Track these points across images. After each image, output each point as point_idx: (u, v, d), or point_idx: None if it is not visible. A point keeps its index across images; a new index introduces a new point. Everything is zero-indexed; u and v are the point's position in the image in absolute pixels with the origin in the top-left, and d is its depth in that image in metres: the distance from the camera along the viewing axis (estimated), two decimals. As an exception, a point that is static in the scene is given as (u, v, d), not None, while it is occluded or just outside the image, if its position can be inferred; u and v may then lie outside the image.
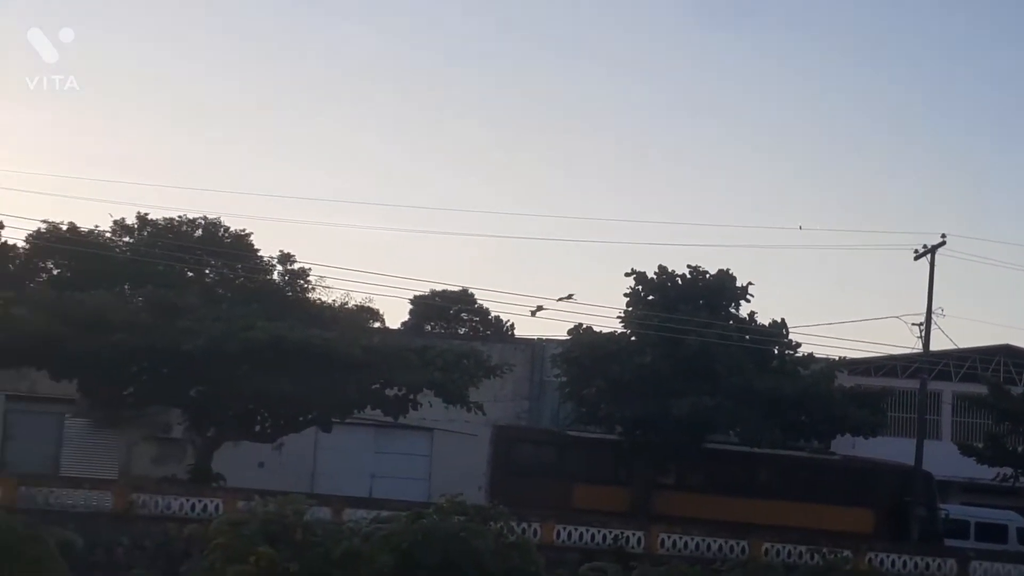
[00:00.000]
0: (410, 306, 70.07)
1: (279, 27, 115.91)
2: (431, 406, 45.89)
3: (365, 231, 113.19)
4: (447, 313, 68.84)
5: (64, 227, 61.54)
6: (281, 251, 64.76)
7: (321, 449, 53.71)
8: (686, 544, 41.20)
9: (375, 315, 68.07)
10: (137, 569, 30.12)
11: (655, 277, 47.41)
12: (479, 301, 67.13)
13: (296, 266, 64.64)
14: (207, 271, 62.08)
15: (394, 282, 48.16)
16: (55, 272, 61.76)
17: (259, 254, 64.68)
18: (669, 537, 41.30)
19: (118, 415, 49.49)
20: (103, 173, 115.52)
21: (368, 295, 65.19)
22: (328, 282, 63.63)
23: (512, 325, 71.29)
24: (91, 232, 61.88)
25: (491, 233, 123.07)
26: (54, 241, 60.76)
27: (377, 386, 44.77)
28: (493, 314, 70.61)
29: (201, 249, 60.57)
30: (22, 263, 63.09)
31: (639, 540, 41.05)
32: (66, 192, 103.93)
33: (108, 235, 63.41)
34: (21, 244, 63.80)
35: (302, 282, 64.73)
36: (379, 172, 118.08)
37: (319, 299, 64.63)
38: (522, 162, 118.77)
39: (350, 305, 65.62)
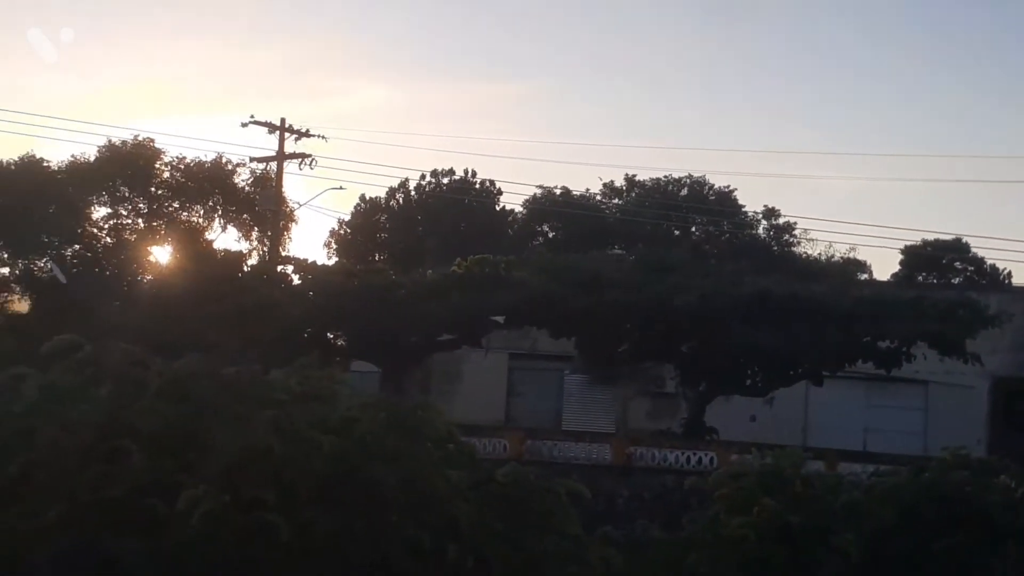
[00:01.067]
0: (900, 256, 68.06)
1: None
2: (925, 358, 44.45)
3: (850, 181, 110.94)
4: (939, 263, 66.34)
5: (557, 192, 64.26)
6: (766, 206, 64.91)
7: (812, 403, 53.25)
8: None
9: (862, 267, 66.76)
10: (639, 520, 31.07)
11: None
12: (974, 249, 64.38)
13: (781, 220, 64.52)
14: (693, 229, 63.00)
15: (882, 232, 47.08)
16: (550, 235, 64.57)
17: (744, 210, 64.97)
18: None
19: (614, 371, 51.09)
20: (592, 137, 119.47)
21: (852, 246, 64.03)
22: (813, 235, 63.03)
23: (1009, 273, 67.82)
24: (583, 195, 64.26)
25: (985, 178, 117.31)
26: (549, 205, 63.58)
27: (868, 339, 43.87)
28: (989, 262, 67.39)
29: (687, 207, 61.50)
30: (520, 227, 66.40)
31: None
32: (558, 157, 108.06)
33: (598, 197, 65.57)
34: (519, 210, 67.25)
35: (787, 236, 64.52)
36: (860, 121, 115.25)
37: (805, 253, 64.18)
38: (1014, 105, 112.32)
39: (836, 258, 64.73)
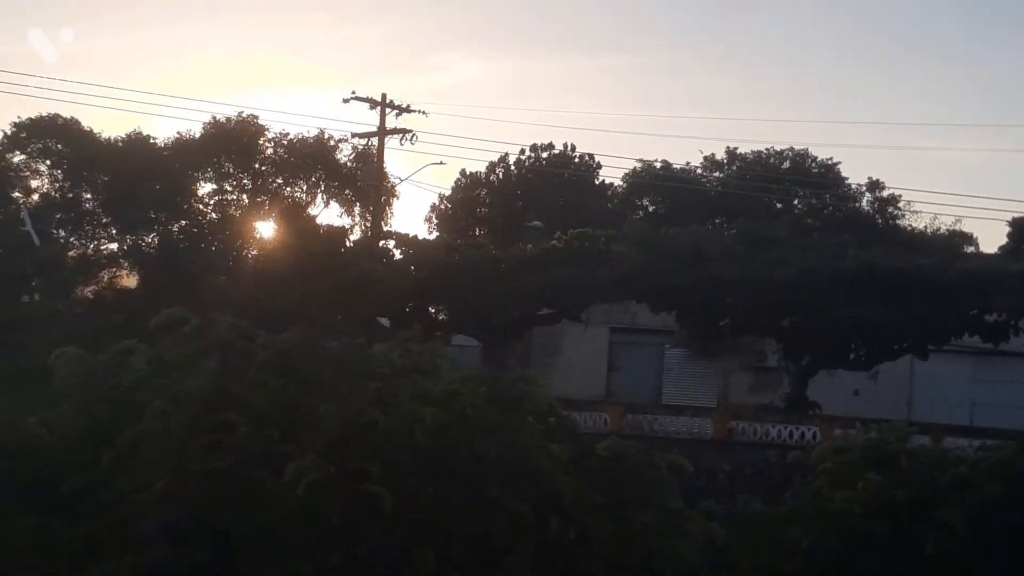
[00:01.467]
0: (1008, 228, 66.76)
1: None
2: (1034, 333, 43.59)
3: (955, 153, 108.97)
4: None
5: (657, 165, 63.97)
6: (869, 178, 64.00)
7: (917, 377, 52.52)
8: None
9: (968, 239, 65.65)
10: (740, 495, 30.90)
11: None
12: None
13: (885, 193, 63.60)
14: (796, 202, 62.38)
15: (989, 204, 46.19)
16: (650, 209, 64.34)
17: (847, 182, 64.14)
18: None
19: (715, 345, 50.84)
20: (693, 110, 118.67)
21: (958, 218, 62.99)
22: (918, 207, 62.07)
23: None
24: (683, 169, 63.91)
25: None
26: (649, 179, 63.35)
27: (974, 312, 43.10)
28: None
29: (789, 180, 60.88)
30: (619, 202, 66.25)
31: None
32: (659, 131, 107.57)
33: (699, 171, 65.16)
34: (618, 184, 67.11)
35: (892, 209, 63.60)
36: (967, 92, 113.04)
37: (910, 226, 63.24)
38: None
39: (941, 230, 63.71)
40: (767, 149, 63.93)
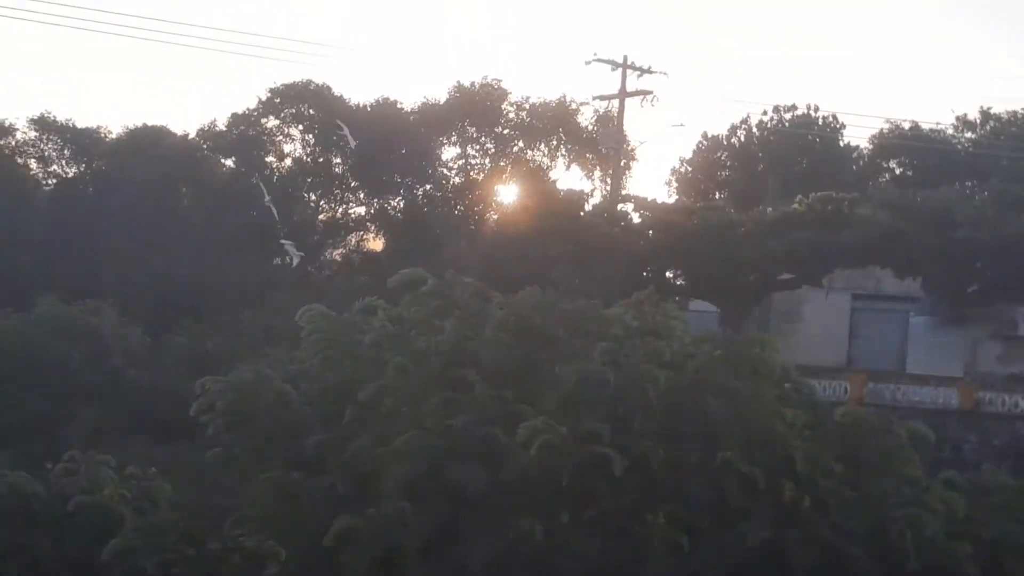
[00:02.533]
0: None
1: None
2: None
3: None
4: None
5: (906, 126, 62.09)
6: None
7: None
8: None
9: None
10: (985, 466, 29.92)
11: None
12: None
13: None
14: (1053, 163, 59.70)
15: None
16: (897, 171, 62.54)
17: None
18: None
19: (962, 312, 49.18)
20: (945, 67, 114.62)
21: None
22: None
23: None
24: (933, 129, 61.87)
25: None
26: (896, 140, 61.55)
27: None
28: None
29: (1046, 141, 58.35)
30: (865, 164, 64.59)
31: None
32: (908, 88, 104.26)
33: (950, 131, 62.98)
34: (864, 145, 65.41)
35: None
36: None
37: None
38: None
39: None
40: (1023, 109, 61.50)
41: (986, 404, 39.41)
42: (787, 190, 51.46)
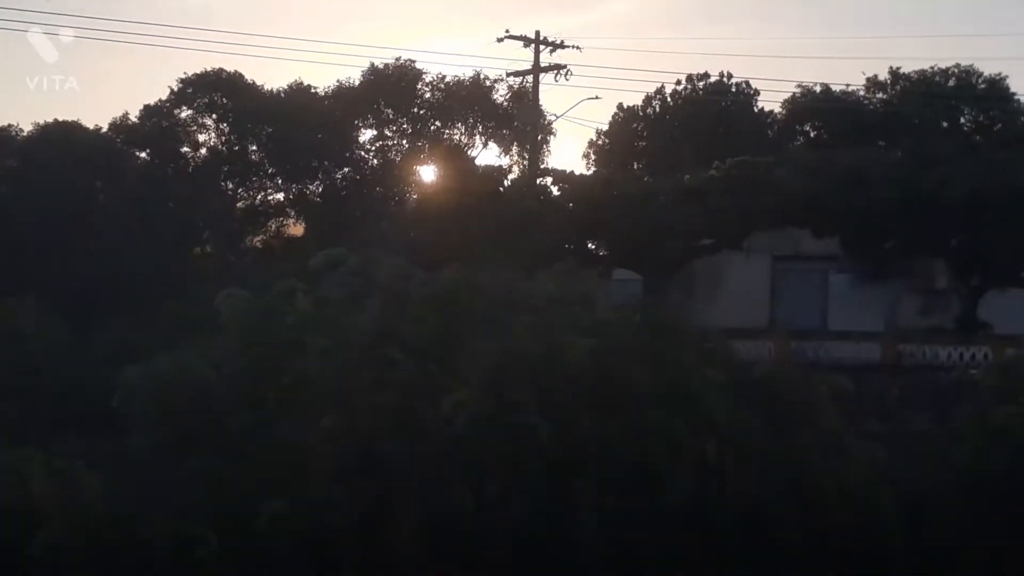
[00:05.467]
0: None
1: None
2: None
3: None
4: None
5: (817, 89, 62.66)
6: (1040, 91, 61.77)
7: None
8: None
9: None
10: (905, 414, 30.54)
11: None
12: None
13: (1057, 105, 61.32)
14: (962, 120, 60.55)
15: None
16: (811, 134, 63.11)
17: (1016, 97, 61.99)
18: None
19: (881, 269, 49.87)
20: (853, 30, 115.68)
21: None
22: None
23: None
24: (844, 92, 62.47)
25: None
26: (808, 104, 62.11)
27: None
28: None
29: (955, 98, 59.11)
30: (780, 128, 65.10)
31: None
32: (817, 53, 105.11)
33: (861, 93, 63.63)
34: (778, 110, 65.95)
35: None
36: None
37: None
38: None
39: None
40: (931, 67, 62.19)
41: (907, 357, 40.14)
42: (704, 157, 51.79)
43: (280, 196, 55.46)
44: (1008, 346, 35.77)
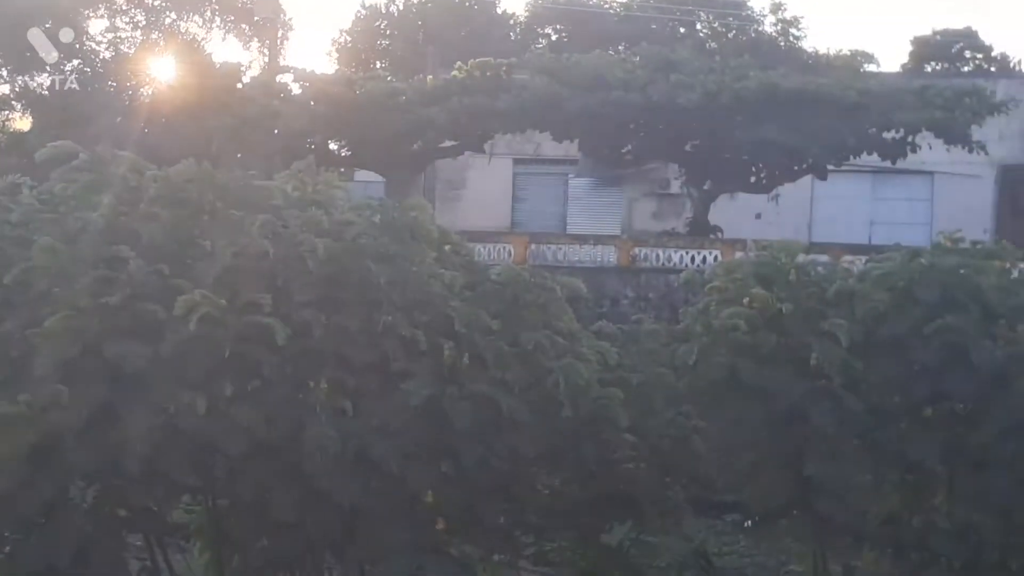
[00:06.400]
0: (909, 48, 67.38)
1: None
2: (931, 148, 44.21)
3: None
4: (948, 52, 65.60)
5: (558, -8, 63.26)
6: (773, 1, 63.92)
7: (818, 199, 53.33)
8: None
9: (870, 59, 65.95)
10: (636, 316, 31.36)
11: None
12: (984, 38, 63.63)
13: (788, 15, 63.60)
14: (698, 26, 62.16)
15: (891, 24, 46.27)
16: (553, 38, 63.83)
17: (750, 4, 64.01)
18: None
19: (619, 173, 51.05)
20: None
21: (861, 39, 63.22)
22: (820, 29, 62.04)
23: (1020, 61, 67.17)
24: (583, -5, 63.21)
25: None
26: (550, 7, 62.70)
27: (873, 130, 43.58)
28: (999, 51, 66.64)
29: (693, 4, 60.60)
30: (522, 31, 65.60)
31: None
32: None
33: (602, -3, 64.51)
34: (520, 13, 66.38)
35: (794, 31, 63.67)
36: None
37: (812, 47, 63.39)
38: None
39: (844, 51, 63.91)
40: (670, -26, 63.56)
41: (641, 260, 41.27)
42: (447, 59, 51.77)
43: (5, 89, 53.00)
44: (737, 249, 37.24)
